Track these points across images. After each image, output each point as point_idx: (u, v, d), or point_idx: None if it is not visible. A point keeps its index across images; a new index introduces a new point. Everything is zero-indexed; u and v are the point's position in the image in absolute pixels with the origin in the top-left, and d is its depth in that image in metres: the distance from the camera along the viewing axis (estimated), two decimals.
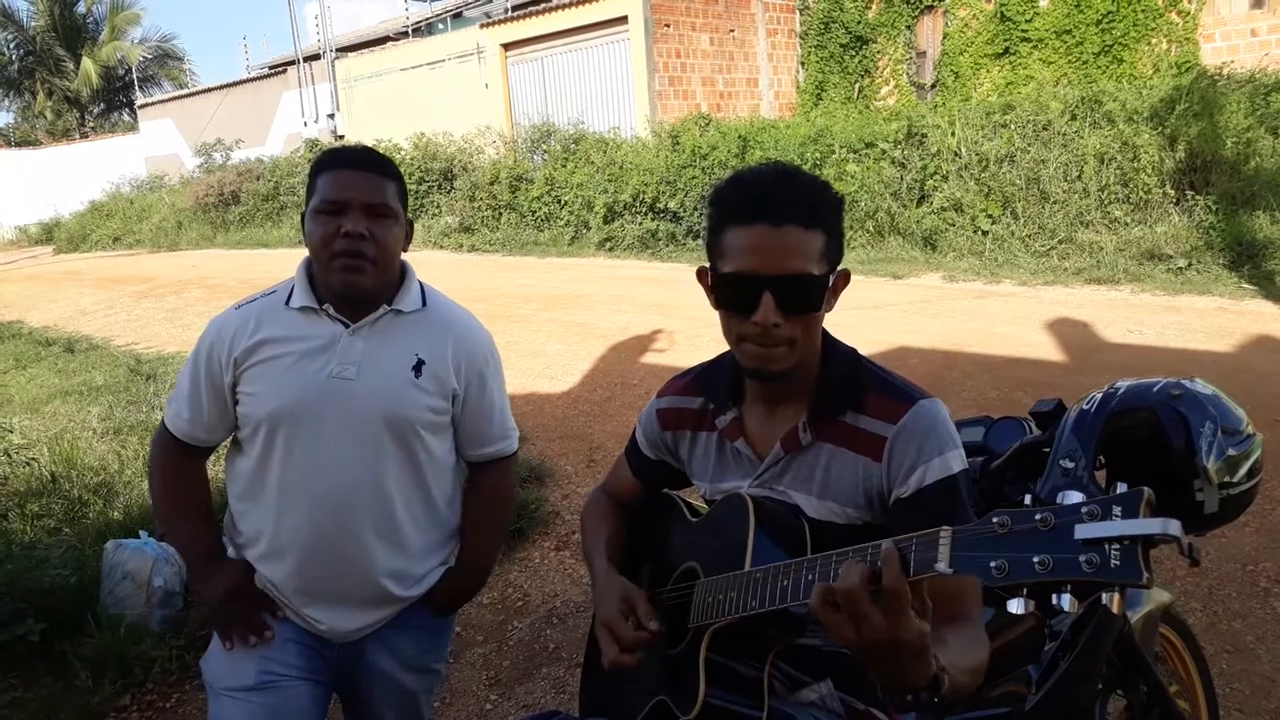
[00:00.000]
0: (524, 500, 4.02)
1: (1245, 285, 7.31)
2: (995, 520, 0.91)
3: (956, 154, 9.96)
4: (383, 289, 1.66)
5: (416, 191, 15.15)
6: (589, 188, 12.69)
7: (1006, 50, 13.79)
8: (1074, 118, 9.63)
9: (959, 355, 5.98)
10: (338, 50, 19.93)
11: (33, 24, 31.24)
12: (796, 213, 1.20)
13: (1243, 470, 1.52)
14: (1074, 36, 13.16)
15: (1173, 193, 8.77)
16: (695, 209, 11.42)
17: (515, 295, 9.42)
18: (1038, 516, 0.87)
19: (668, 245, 11.65)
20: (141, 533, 3.41)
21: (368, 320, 1.65)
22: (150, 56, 32.66)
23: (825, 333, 1.34)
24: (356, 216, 1.57)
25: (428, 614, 1.78)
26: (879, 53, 15.25)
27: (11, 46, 31.73)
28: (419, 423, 1.67)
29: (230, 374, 1.63)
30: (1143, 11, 12.59)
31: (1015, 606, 0.90)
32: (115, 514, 3.92)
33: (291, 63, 20.98)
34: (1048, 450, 1.63)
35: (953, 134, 10.07)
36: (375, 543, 1.66)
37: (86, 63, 30.93)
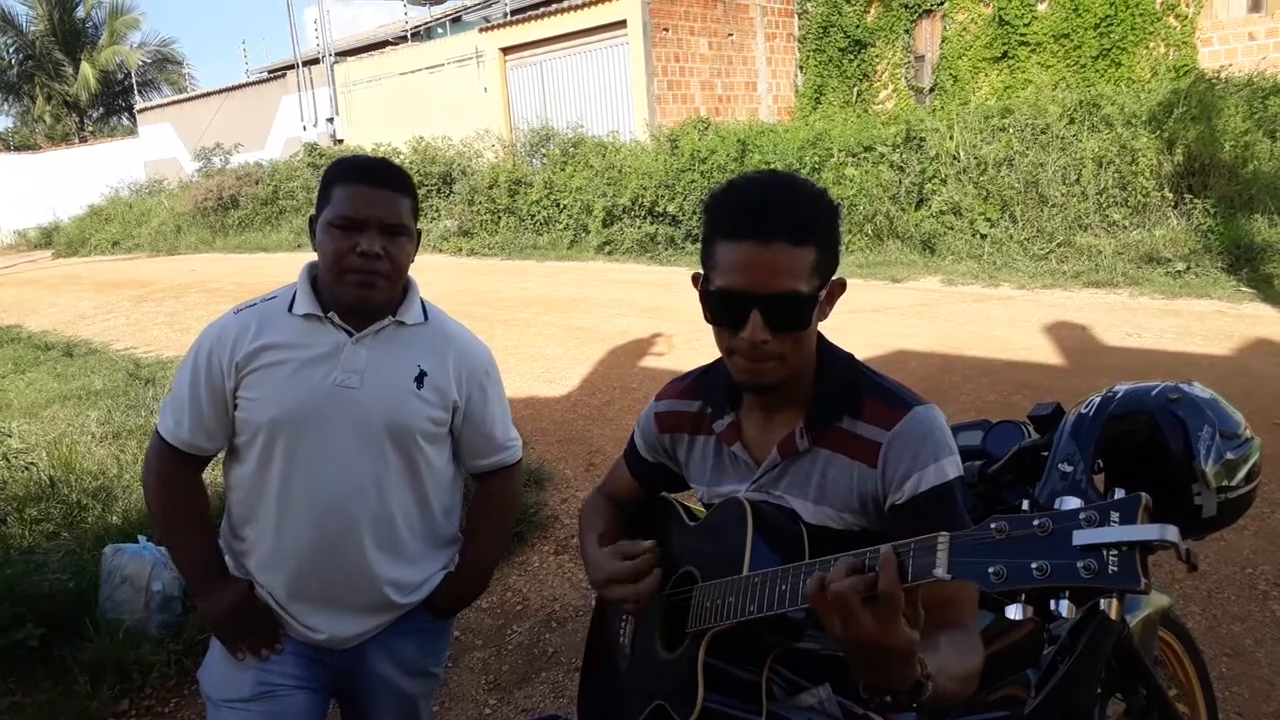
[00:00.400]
0: (523, 504, 4.01)
1: (1244, 288, 7.31)
2: (993, 526, 0.91)
3: (955, 157, 9.97)
4: (389, 300, 1.67)
5: None
6: (588, 191, 12.70)
7: (1005, 54, 13.81)
8: (1072, 121, 9.65)
9: (957, 358, 5.99)
10: (337, 54, 19.95)
11: (32, 28, 31.25)
12: (786, 230, 1.19)
13: (1241, 474, 1.52)
14: (1072, 40, 13.18)
15: (1171, 196, 8.78)
16: (694, 213, 11.43)
17: (514, 299, 9.42)
18: (1036, 522, 0.88)
19: (666, 249, 11.65)
20: (140, 537, 3.40)
21: (371, 330, 1.65)
22: (149, 61, 32.67)
23: (822, 338, 1.34)
24: (373, 236, 1.57)
25: (427, 618, 1.78)
26: (877, 57, 15.28)
27: (11, 51, 31.74)
28: (420, 433, 1.67)
29: (232, 379, 1.62)
30: (1141, 15, 12.61)
31: (1014, 612, 0.90)
32: (114, 518, 3.91)
33: (290, 67, 21.00)
34: (1046, 454, 1.63)
35: (951, 138, 10.09)
36: (375, 551, 1.67)
37: (85, 67, 30.94)
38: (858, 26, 15.35)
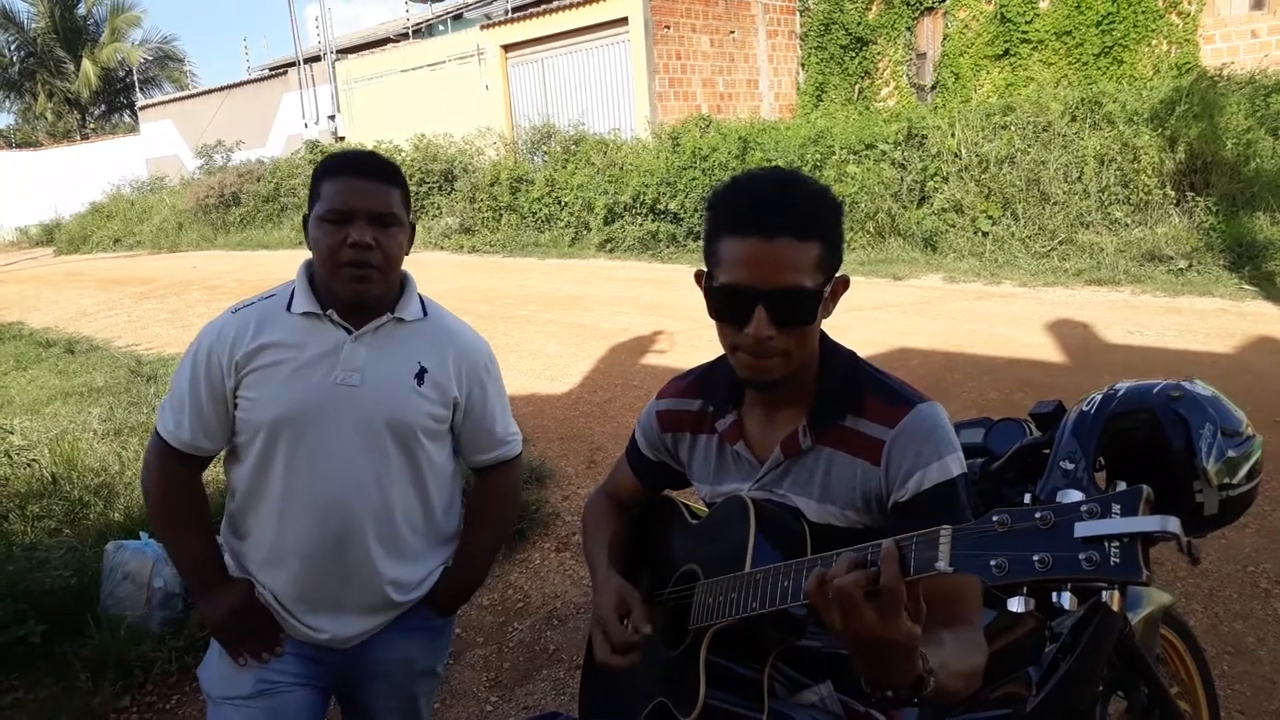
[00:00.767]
0: (524, 502, 4.02)
1: (1245, 286, 7.31)
2: (995, 519, 0.91)
3: (957, 155, 9.96)
4: (386, 295, 1.66)
5: (417, 193, 15.16)
6: (589, 189, 12.70)
7: (1006, 52, 13.80)
8: (1074, 119, 9.64)
9: (959, 356, 5.99)
10: (338, 52, 19.95)
11: (33, 25, 31.27)
12: (791, 225, 1.19)
13: (1242, 472, 1.52)
14: (1074, 38, 13.16)
15: (1173, 194, 8.77)
16: (695, 210, 11.42)
17: (516, 296, 9.42)
18: (1037, 515, 0.87)
19: (668, 246, 11.65)
20: (142, 534, 3.41)
21: (370, 327, 1.64)
22: (151, 58, 32.70)
23: (824, 336, 1.34)
24: (363, 226, 1.56)
25: (428, 616, 1.78)
26: (879, 54, 15.26)
27: (12, 48, 31.76)
28: (421, 429, 1.67)
29: (231, 378, 1.61)
30: (1143, 13, 12.59)
31: (1015, 605, 0.90)
32: (116, 515, 3.91)
33: (292, 64, 21.00)
34: (1048, 452, 1.63)
35: (953, 135, 10.08)
36: (377, 549, 1.66)
37: (87, 64, 30.95)
38: (859, 24, 15.34)
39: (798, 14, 16.39)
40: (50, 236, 23.22)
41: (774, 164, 9.71)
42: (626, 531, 1.59)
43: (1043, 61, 13.42)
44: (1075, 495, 0.87)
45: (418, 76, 17.93)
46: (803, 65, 16.48)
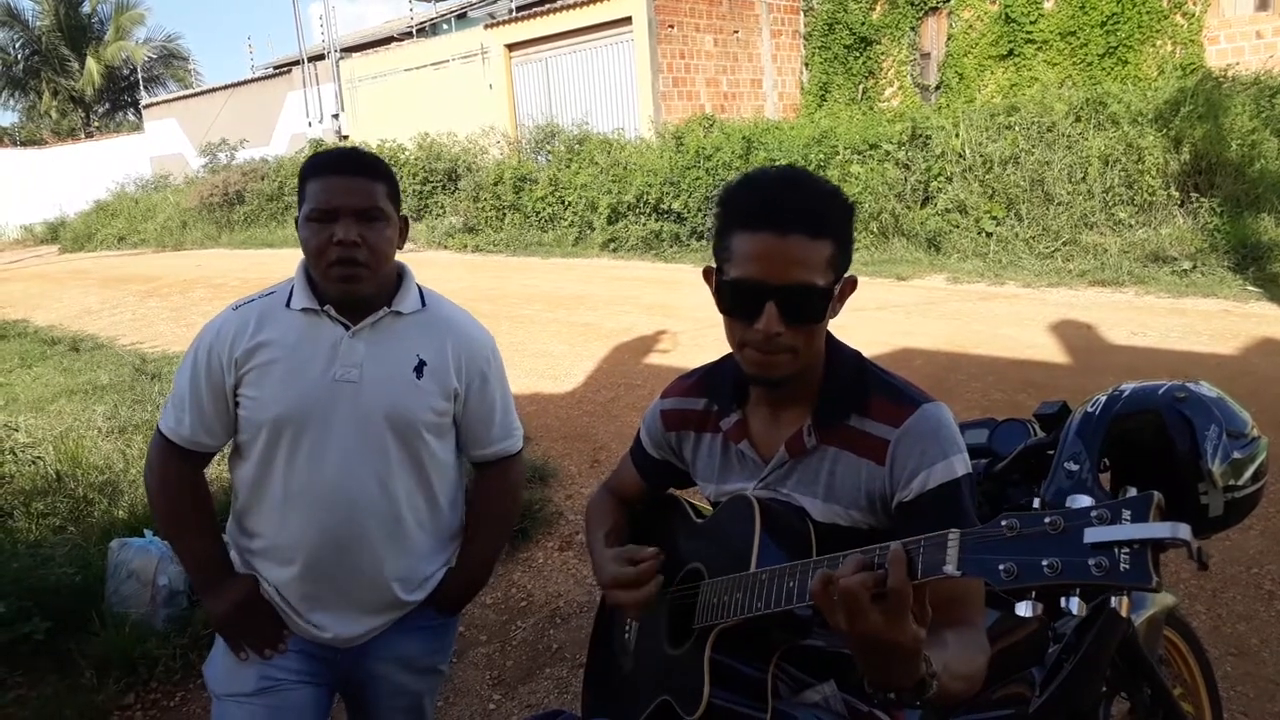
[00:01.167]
0: (528, 500, 4.02)
1: (1250, 288, 7.29)
2: (1004, 523, 0.90)
3: (961, 155, 9.95)
4: (380, 290, 1.66)
5: (420, 192, 15.17)
6: (593, 188, 12.70)
7: (1011, 52, 13.78)
8: (1078, 119, 9.62)
9: (963, 357, 5.98)
10: (342, 50, 19.97)
11: (38, 23, 31.32)
12: (803, 222, 1.19)
13: (1248, 473, 1.52)
14: (1078, 38, 13.15)
15: (1177, 195, 8.75)
16: (699, 210, 11.42)
17: (519, 296, 9.43)
18: (1047, 520, 0.87)
19: (671, 246, 11.65)
20: (146, 531, 3.41)
21: (368, 322, 1.65)
22: (155, 56, 32.74)
23: (830, 335, 1.34)
24: (348, 224, 1.56)
25: (431, 615, 1.78)
26: (883, 54, 15.25)
27: (17, 46, 31.83)
28: (422, 423, 1.67)
29: (232, 375, 1.62)
30: (1147, 13, 12.57)
31: (1023, 609, 0.90)
32: (120, 513, 3.92)
33: (296, 63, 21.02)
34: (1052, 453, 1.63)
35: (957, 135, 10.07)
36: (381, 545, 1.66)
37: (91, 63, 30.99)
38: (863, 24, 15.33)
39: (802, 13, 16.38)
40: (55, 234, 23.26)
41: (780, 163, 9.73)
42: (628, 522, 1.59)
43: (1047, 62, 13.40)
44: (1085, 500, 0.86)
45: (421, 75, 17.94)
46: (806, 65, 16.47)
